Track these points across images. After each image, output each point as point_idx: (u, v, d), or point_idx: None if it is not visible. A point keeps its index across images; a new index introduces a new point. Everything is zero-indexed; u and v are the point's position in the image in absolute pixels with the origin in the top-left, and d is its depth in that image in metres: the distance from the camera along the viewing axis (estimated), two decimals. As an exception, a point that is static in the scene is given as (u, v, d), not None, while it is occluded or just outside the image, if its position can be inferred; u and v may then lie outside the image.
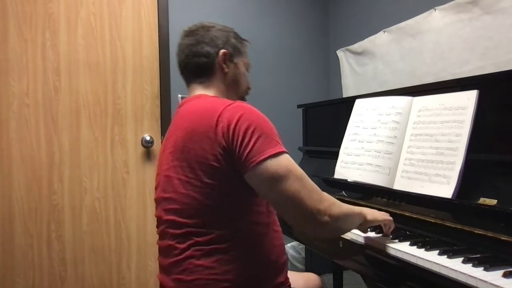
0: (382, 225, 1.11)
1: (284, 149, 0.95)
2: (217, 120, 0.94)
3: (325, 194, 0.95)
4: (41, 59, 2.08)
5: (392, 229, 1.12)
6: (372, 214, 1.07)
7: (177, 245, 0.99)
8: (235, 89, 1.17)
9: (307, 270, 2.46)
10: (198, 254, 0.96)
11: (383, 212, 1.12)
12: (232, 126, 0.93)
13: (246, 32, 2.52)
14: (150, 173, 2.30)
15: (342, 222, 0.97)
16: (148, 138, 2.26)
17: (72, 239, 2.13)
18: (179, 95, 2.38)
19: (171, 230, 1.01)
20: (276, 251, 1.06)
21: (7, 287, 2.01)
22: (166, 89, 2.33)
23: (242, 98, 1.19)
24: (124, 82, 2.24)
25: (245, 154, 0.92)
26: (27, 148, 2.06)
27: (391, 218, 1.11)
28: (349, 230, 1.06)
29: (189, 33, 1.15)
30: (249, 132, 0.92)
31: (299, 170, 0.94)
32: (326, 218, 0.92)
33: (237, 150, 0.92)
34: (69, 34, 2.13)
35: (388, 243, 1.08)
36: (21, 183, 2.05)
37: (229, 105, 0.97)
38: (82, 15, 2.15)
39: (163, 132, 2.32)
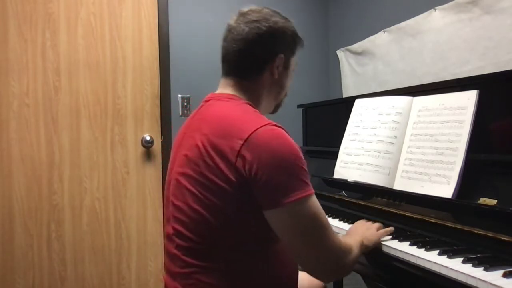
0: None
1: (312, 190, 0.87)
2: (242, 145, 0.84)
3: (342, 244, 0.91)
4: (41, 59, 2.08)
5: (390, 232, 1.13)
6: (371, 240, 1.06)
7: (183, 257, 0.93)
8: (277, 95, 1.08)
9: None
10: (204, 270, 0.91)
11: (376, 225, 1.13)
12: (258, 158, 0.83)
13: (246, 32, 2.53)
14: (150, 173, 2.30)
15: (352, 266, 0.95)
16: (148, 138, 2.26)
17: (72, 239, 2.13)
18: (179, 95, 2.38)
19: (177, 240, 0.95)
20: (288, 269, 1.00)
21: (7, 287, 2.01)
22: (166, 89, 2.33)
23: (279, 104, 1.12)
24: (124, 82, 2.24)
25: (269, 191, 0.84)
26: (27, 148, 2.06)
27: (383, 230, 1.12)
28: None
29: (249, 20, 0.99)
30: (277, 168, 0.83)
31: (324, 219, 0.88)
32: (341, 269, 0.93)
33: (259, 185, 0.84)
34: (69, 34, 2.13)
35: (388, 243, 1.08)
36: (21, 183, 2.05)
37: (260, 128, 0.86)
38: (82, 15, 2.15)
39: (163, 132, 2.32)
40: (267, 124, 0.87)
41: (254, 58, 1.00)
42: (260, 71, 1.01)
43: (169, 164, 1.07)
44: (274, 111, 1.14)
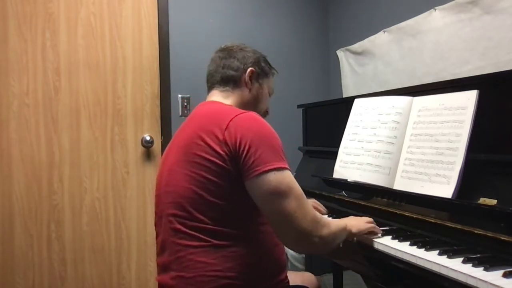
0: (368, 234, 1.13)
1: (288, 166, 0.98)
2: (228, 124, 0.98)
3: (318, 215, 0.99)
4: (41, 59, 2.08)
5: (379, 233, 1.14)
6: (357, 226, 1.12)
7: (178, 241, 0.99)
8: (254, 107, 1.19)
9: (307, 270, 2.46)
10: (199, 250, 0.97)
11: (366, 219, 1.17)
12: (242, 132, 0.96)
13: (245, 32, 2.54)
14: (150, 173, 2.30)
15: (330, 241, 1.01)
16: (148, 138, 2.26)
17: (72, 239, 2.13)
18: (179, 95, 2.38)
19: (172, 225, 1.01)
20: (277, 249, 1.07)
21: (7, 287, 2.01)
22: (166, 89, 2.33)
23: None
24: (124, 82, 2.24)
25: (250, 162, 0.94)
26: (27, 148, 2.06)
27: (373, 224, 1.15)
28: (335, 246, 1.07)
29: (224, 49, 1.22)
30: (257, 141, 0.95)
31: (299, 190, 0.97)
32: (316, 239, 0.96)
33: (243, 156, 0.95)
34: (69, 34, 2.13)
35: (388, 243, 1.08)
36: (21, 183, 2.05)
37: (241, 113, 1.01)
38: (82, 15, 2.15)
39: (163, 132, 2.32)
40: (248, 111, 1.04)
41: (230, 68, 1.18)
42: (237, 82, 1.18)
43: (160, 166, 1.16)
44: None
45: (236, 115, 1.00)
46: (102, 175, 2.20)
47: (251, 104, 1.19)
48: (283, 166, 0.96)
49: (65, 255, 2.12)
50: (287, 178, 0.96)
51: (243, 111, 1.04)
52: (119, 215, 2.24)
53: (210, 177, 0.97)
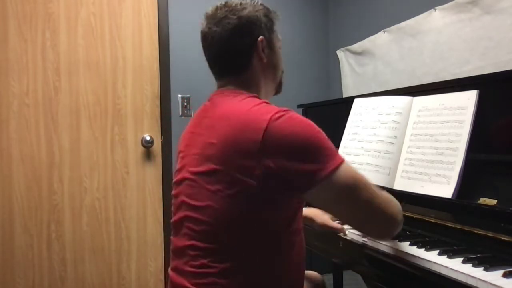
0: None
1: (342, 157, 0.88)
2: (263, 136, 0.84)
3: (384, 193, 0.92)
4: (41, 59, 2.08)
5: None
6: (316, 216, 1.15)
7: (197, 257, 0.91)
8: (273, 76, 1.07)
9: (307, 269, 2.46)
10: (218, 271, 0.89)
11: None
12: (283, 143, 0.84)
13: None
14: (150, 173, 2.30)
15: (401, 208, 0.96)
16: (148, 138, 2.26)
17: (72, 239, 2.13)
18: (179, 95, 2.38)
19: (192, 241, 0.93)
20: (299, 268, 1.00)
21: (7, 287, 2.01)
22: (166, 89, 2.33)
23: (280, 85, 1.12)
24: (124, 82, 2.24)
25: (304, 172, 0.84)
26: (27, 148, 2.06)
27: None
28: None
29: (217, 20, 0.99)
30: (304, 149, 0.85)
31: (363, 178, 0.89)
32: (401, 217, 0.93)
33: (293, 169, 0.84)
34: (69, 34, 2.13)
35: (388, 242, 1.08)
36: (21, 183, 2.05)
37: (275, 116, 0.86)
38: (82, 15, 2.15)
39: (163, 132, 2.32)
40: (278, 111, 0.88)
41: (237, 51, 1.00)
42: (248, 61, 1.01)
43: (177, 164, 1.05)
44: (277, 91, 1.14)
45: (268, 122, 0.85)
46: (102, 175, 2.20)
47: (269, 75, 1.05)
48: (339, 161, 0.86)
49: (65, 255, 2.12)
50: (347, 171, 0.86)
51: (273, 110, 0.88)
52: (119, 215, 2.24)
53: (238, 197, 0.87)
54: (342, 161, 0.87)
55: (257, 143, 0.84)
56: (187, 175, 0.97)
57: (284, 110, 0.89)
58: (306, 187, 0.86)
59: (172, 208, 1.04)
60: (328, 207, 0.91)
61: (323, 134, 0.88)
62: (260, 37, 1.00)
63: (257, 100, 0.95)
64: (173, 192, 1.04)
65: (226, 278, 0.88)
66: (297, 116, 0.89)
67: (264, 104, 0.93)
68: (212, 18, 1.01)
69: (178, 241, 0.98)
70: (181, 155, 1.04)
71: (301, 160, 0.84)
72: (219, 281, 0.88)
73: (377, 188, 0.90)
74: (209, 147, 0.91)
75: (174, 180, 1.04)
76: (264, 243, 0.91)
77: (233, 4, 1.01)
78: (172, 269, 1.00)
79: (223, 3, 1.02)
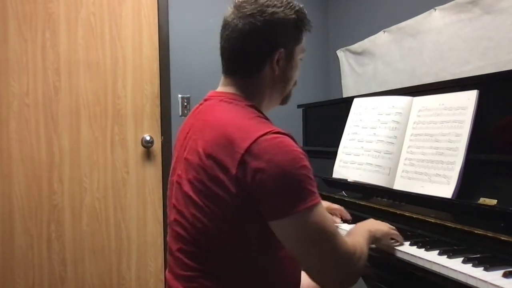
0: (391, 240, 1.08)
1: (318, 198, 0.83)
2: (243, 155, 0.81)
3: (351, 248, 0.87)
4: (41, 59, 2.08)
5: (401, 241, 1.09)
6: (381, 231, 1.05)
7: (185, 261, 0.91)
8: (282, 89, 1.02)
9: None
10: (207, 276, 0.89)
11: (389, 226, 1.09)
12: (260, 170, 0.79)
13: (246, 32, 2.53)
14: (150, 173, 2.30)
15: (363, 268, 0.92)
16: (148, 138, 2.26)
17: (72, 239, 2.13)
18: (179, 95, 2.38)
19: (180, 243, 0.93)
20: (291, 277, 0.99)
21: (7, 287, 2.01)
22: (166, 89, 2.33)
23: (287, 97, 1.07)
24: (124, 82, 2.24)
25: (274, 202, 0.81)
26: (27, 148, 2.06)
27: (397, 232, 1.09)
28: None
29: (243, 15, 0.93)
30: (281, 178, 0.80)
31: (331, 226, 0.85)
32: (354, 276, 0.90)
33: (265, 196, 0.81)
34: (69, 34, 2.13)
35: (388, 243, 1.08)
36: (21, 183, 2.05)
37: (261, 136, 0.81)
38: (82, 15, 2.15)
39: (163, 132, 2.32)
40: (269, 131, 0.83)
41: (251, 55, 0.95)
42: (260, 68, 0.95)
43: (172, 163, 1.05)
44: (283, 102, 1.08)
45: (253, 142, 0.81)
46: (102, 175, 2.20)
47: (278, 87, 1.00)
48: (311, 204, 0.81)
49: (65, 255, 2.12)
50: (318, 217, 0.82)
51: (263, 129, 0.83)
52: (119, 215, 2.24)
53: (219, 211, 0.85)
54: (315, 203, 0.82)
55: (235, 162, 0.81)
56: (176, 178, 0.97)
57: (277, 132, 0.84)
58: (271, 217, 0.83)
59: (167, 208, 1.05)
60: (286, 243, 0.85)
61: (308, 170, 0.83)
62: (281, 49, 0.95)
63: (253, 114, 0.92)
64: (167, 192, 1.05)
65: (213, 282, 0.88)
66: (289, 143, 0.83)
67: (258, 120, 0.89)
68: (238, 10, 0.94)
69: (171, 243, 0.99)
70: (176, 155, 1.03)
71: (275, 190, 0.80)
72: (206, 283, 0.89)
73: (343, 243, 0.86)
74: (194, 155, 0.90)
75: (169, 179, 1.05)
76: (245, 253, 0.90)
77: (265, 3, 0.93)
78: (169, 271, 1.01)
79: (257, 1, 0.94)
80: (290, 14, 0.95)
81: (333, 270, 0.86)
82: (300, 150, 0.85)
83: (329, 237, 0.83)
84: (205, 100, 1.02)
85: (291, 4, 0.97)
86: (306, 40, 1.03)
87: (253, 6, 0.93)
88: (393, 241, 1.08)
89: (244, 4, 0.94)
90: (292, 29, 0.97)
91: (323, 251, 0.84)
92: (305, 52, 1.05)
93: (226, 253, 0.89)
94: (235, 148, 0.82)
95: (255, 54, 0.95)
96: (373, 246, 1.10)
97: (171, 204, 0.99)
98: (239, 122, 0.87)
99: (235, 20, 0.94)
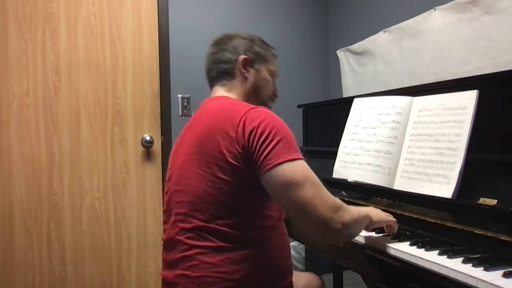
0: (385, 227, 1.11)
1: (302, 157, 0.96)
2: (239, 120, 0.97)
3: (338, 201, 0.95)
4: (41, 59, 2.08)
5: (395, 230, 1.12)
6: (377, 215, 1.08)
7: (186, 240, 0.99)
8: (255, 95, 1.18)
9: (307, 270, 2.46)
10: (206, 251, 0.97)
11: (387, 214, 1.12)
12: (254, 127, 0.95)
13: (246, 32, 2.53)
14: (150, 173, 2.30)
15: (353, 228, 0.98)
16: (148, 138, 2.26)
17: (72, 239, 2.13)
18: (179, 95, 2.38)
19: (180, 224, 1.01)
20: (283, 254, 1.07)
21: (7, 287, 2.01)
22: (166, 89, 2.33)
23: (265, 105, 1.19)
24: (124, 82, 2.24)
25: (263, 156, 0.93)
26: (27, 148, 2.06)
27: (395, 219, 1.12)
28: (358, 234, 1.05)
29: (215, 43, 1.21)
30: (270, 135, 0.94)
31: (315, 178, 0.95)
32: (339, 226, 0.92)
33: (256, 152, 0.94)
34: (69, 34, 2.13)
35: (388, 243, 1.08)
36: (21, 183, 2.05)
37: (252, 108, 1.00)
38: (82, 15, 2.15)
39: (163, 132, 2.32)
40: (257, 107, 1.02)
41: (222, 61, 1.17)
42: (232, 73, 1.16)
43: (169, 164, 1.15)
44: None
45: (247, 111, 0.98)
46: (102, 175, 2.20)
47: (252, 92, 1.18)
48: (296, 157, 0.94)
49: (65, 255, 2.12)
50: (300, 167, 0.94)
51: (254, 106, 1.02)
52: (119, 215, 2.24)
53: (222, 176, 0.96)
54: (299, 157, 0.95)
55: (235, 127, 0.96)
56: (177, 168, 1.07)
57: (263, 107, 1.03)
58: (261, 171, 0.94)
59: (164, 206, 1.13)
60: (273, 194, 0.96)
61: (290, 132, 0.99)
62: (243, 56, 1.16)
63: (243, 102, 1.10)
64: (166, 187, 1.13)
65: (213, 257, 0.96)
66: (273, 114, 1.01)
67: (247, 104, 1.06)
68: (212, 43, 1.23)
69: (169, 235, 1.05)
70: (173, 155, 1.15)
71: (264, 144, 0.94)
72: (205, 259, 0.96)
73: (327, 194, 0.94)
74: (194, 136, 1.04)
75: (167, 176, 1.14)
76: (244, 223, 0.99)
77: (233, 33, 1.22)
78: (164, 268, 1.07)
79: (226, 33, 1.24)
80: (252, 37, 1.22)
81: (315, 216, 0.91)
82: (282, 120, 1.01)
83: (311, 184, 0.93)
84: (198, 108, 1.17)
85: (254, 35, 1.24)
86: (276, 65, 1.27)
87: (223, 35, 1.23)
88: (389, 228, 1.11)
89: (218, 37, 1.24)
90: (255, 45, 1.20)
91: (305, 196, 0.91)
92: (276, 75, 1.26)
93: (226, 225, 0.97)
94: (233, 117, 0.98)
95: (225, 60, 1.17)
96: (368, 244, 1.10)
97: (171, 191, 1.07)
98: (232, 105, 1.06)
99: (210, 49, 1.22)
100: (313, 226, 0.93)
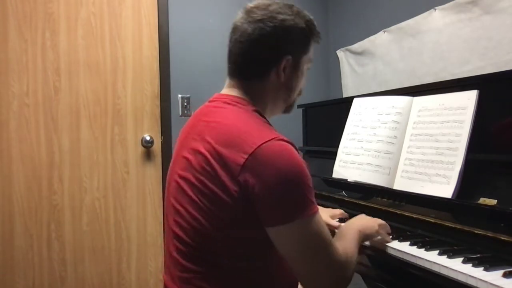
0: (380, 236, 1.10)
1: (316, 208, 0.85)
2: (246, 159, 0.81)
3: (343, 254, 0.89)
4: (41, 59, 2.08)
5: (389, 231, 1.11)
6: (371, 227, 1.07)
7: (182, 261, 0.92)
8: (285, 97, 1.02)
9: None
10: (203, 277, 0.90)
11: (374, 219, 1.11)
12: (261, 176, 0.81)
13: (246, 32, 2.53)
14: (150, 173, 2.30)
15: (353, 274, 0.94)
16: (148, 138, 2.26)
17: (72, 239, 2.13)
18: (179, 95, 2.38)
19: (177, 243, 0.94)
20: (287, 280, 0.99)
21: (7, 287, 2.01)
22: (166, 89, 2.33)
23: (291, 106, 1.07)
24: (124, 82, 2.24)
25: (274, 209, 0.82)
26: (27, 148, 2.06)
27: (384, 222, 1.11)
28: None
29: (253, 20, 0.94)
30: (282, 186, 0.81)
31: (327, 236, 0.87)
32: (348, 275, 0.90)
33: (264, 201, 0.82)
34: (69, 34, 2.13)
35: (388, 243, 1.08)
36: (21, 183, 2.05)
37: (265, 142, 0.82)
38: (82, 15, 2.15)
39: (163, 132, 2.32)
40: (273, 138, 0.84)
41: (258, 60, 0.95)
42: (265, 74, 0.96)
43: (170, 163, 1.06)
44: (287, 111, 1.09)
45: (258, 147, 0.82)
46: (102, 175, 2.20)
47: (282, 94, 1.00)
48: (310, 213, 0.83)
49: (65, 255, 2.12)
50: (315, 227, 0.83)
51: (265, 137, 0.84)
52: (119, 215, 2.24)
53: (219, 213, 0.86)
54: (314, 213, 0.84)
55: (239, 165, 0.82)
56: (175, 177, 0.97)
57: (280, 139, 0.85)
58: (269, 223, 0.84)
59: (164, 208, 1.05)
60: (281, 250, 0.86)
61: (309, 179, 0.84)
62: (288, 56, 0.95)
63: (257, 119, 0.92)
64: (166, 191, 1.05)
65: (209, 283, 0.89)
66: (291, 151, 0.85)
67: (262, 125, 0.90)
68: (248, 15, 0.95)
69: (168, 244, 0.99)
70: (174, 154, 1.04)
71: (275, 196, 0.82)
72: (202, 284, 0.89)
73: (336, 253, 0.87)
74: (196, 155, 0.90)
75: (167, 178, 1.05)
76: (242, 255, 0.90)
77: (275, 9, 0.95)
78: (166, 273, 1.01)
79: (267, 3, 0.96)
80: (300, 23, 0.96)
81: (324, 278, 0.87)
82: (301, 159, 0.86)
83: (324, 247, 0.85)
84: (209, 101, 1.01)
85: (302, 13, 0.98)
86: (313, 50, 1.03)
87: (263, 12, 0.94)
88: (387, 236, 1.10)
89: (255, 10, 0.95)
90: (301, 38, 0.98)
91: (317, 259, 0.85)
92: (312, 62, 1.05)
93: (223, 254, 0.89)
94: (239, 152, 0.83)
95: (262, 59, 0.95)
96: (367, 244, 1.10)
97: (169, 203, 0.99)
98: (243, 126, 0.88)
99: (244, 25, 0.94)
100: (319, 284, 0.88)
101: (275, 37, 0.93)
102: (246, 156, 0.82)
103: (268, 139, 0.83)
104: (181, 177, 0.94)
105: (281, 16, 0.94)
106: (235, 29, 0.97)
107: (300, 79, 1.02)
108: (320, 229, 0.85)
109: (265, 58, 0.95)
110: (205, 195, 0.87)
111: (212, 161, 0.86)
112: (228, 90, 1.00)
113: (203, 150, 0.88)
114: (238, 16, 0.98)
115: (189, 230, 0.90)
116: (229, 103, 0.95)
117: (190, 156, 0.92)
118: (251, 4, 0.97)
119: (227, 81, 1.02)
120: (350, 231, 1.02)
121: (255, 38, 0.93)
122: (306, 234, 0.83)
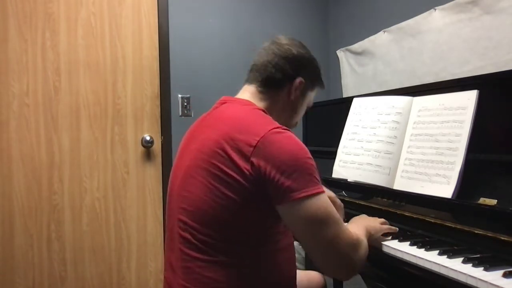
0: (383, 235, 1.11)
1: (322, 189, 0.91)
2: (258, 142, 0.89)
3: (354, 236, 0.93)
4: (41, 59, 2.08)
5: (394, 231, 1.12)
6: (374, 228, 1.09)
7: (186, 250, 0.94)
8: (288, 117, 1.12)
9: (307, 269, 2.46)
10: (207, 265, 0.92)
11: (380, 220, 1.13)
12: (272, 155, 0.88)
13: (246, 32, 2.53)
14: (150, 173, 2.30)
15: (365, 257, 0.97)
16: (148, 138, 2.26)
17: (72, 239, 2.13)
18: (179, 95, 2.38)
19: (181, 232, 0.96)
20: (288, 268, 1.03)
21: (7, 287, 2.01)
22: (166, 89, 2.33)
23: (289, 127, 1.12)
24: (124, 82, 2.24)
25: (283, 187, 0.87)
26: (27, 148, 2.06)
27: (387, 228, 1.12)
28: None
29: (281, 44, 1.10)
30: (291, 166, 0.88)
31: (336, 214, 0.91)
32: (357, 261, 0.93)
33: (274, 181, 0.87)
34: (69, 34, 2.13)
35: (388, 243, 1.08)
36: (21, 183, 2.05)
37: (274, 128, 0.92)
38: (82, 15, 2.15)
39: (163, 132, 2.32)
40: (278, 127, 0.93)
41: (280, 72, 1.07)
42: (280, 87, 1.08)
43: (175, 161, 1.10)
44: None
45: (268, 131, 0.90)
46: (102, 175, 2.20)
47: (286, 113, 1.11)
48: (319, 190, 0.89)
49: (65, 255, 2.12)
50: (323, 203, 0.89)
51: (276, 124, 0.94)
52: (119, 215, 2.24)
53: (228, 193, 0.90)
54: (321, 191, 0.90)
55: (251, 146, 0.89)
56: (184, 169, 1.01)
57: (284, 128, 0.94)
58: (280, 201, 0.89)
59: (167, 207, 1.09)
60: (292, 227, 0.92)
61: (313, 162, 0.92)
62: (301, 79, 1.09)
63: (263, 114, 1.01)
64: (169, 190, 1.09)
65: (215, 271, 0.92)
66: (296, 138, 0.94)
67: (269, 119, 0.99)
68: (275, 43, 1.11)
69: (172, 238, 1.02)
70: (180, 151, 1.08)
71: (285, 174, 0.87)
72: (207, 274, 0.92)
73: (347, 230, 0.92)
74: (209, 142, 0.95)
75: (170, 175, 1.09)
76: (246, 240, 0.94)
77: (302, 47, 1.13)
78: (166, 269, 1.03)
79: (293, 39, 1.13)
80: (317, 63, 1.16)
81: (336, 255, 0.90)
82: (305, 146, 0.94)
83: (334, 222, 0.89)
84: (219, 103, 1.09)
85: (315, 59, 1.17)
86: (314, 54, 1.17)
87: (289, 42, 1.12)
88: (387, 236, 1.12)
89: (281, 41, 1.12)
90: (314, 74, 1.15)
91: (328, 235, 0.88)
92: (311, 106, 1.20)
93: (228, 240, 0.93)
94: (250, 135, 0.90)
95: (282, 73, 1.07)
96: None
97: (174, 197, 1.03)
98: (253, 117, 0.98)
99: (271, 46, 1.10)
100: (335, 264, 0.92)
101: (298, 59, 1.09)
102: (258, 138, 0.89)
103: (274, 127, 0.92)
104: (190, 166, 0.98)
105: (304, 49, 1.13)
106: (263, 51, 1.11)
107: (303, 107, 1.15)
108: (328, 206, 0.90)
109: (285, 73, 1.07)
110: (217, 177, 0.91)
111: (225, 144, 0.92)
112: (240, 94, 1.10)
113: (215, 136, 0.95)
114: (265, 43, 1.13)
115: (196, 215, 0.94)
116: (238, 103, 1.05)
117: (200, 146, 0.98)
118: (276, 38, 1.13)
119: (244, 87, 1.12)
120: (358, 224, 1.07)
121: (282, 53, 1.08)
122: (316, 210, 0.88)
